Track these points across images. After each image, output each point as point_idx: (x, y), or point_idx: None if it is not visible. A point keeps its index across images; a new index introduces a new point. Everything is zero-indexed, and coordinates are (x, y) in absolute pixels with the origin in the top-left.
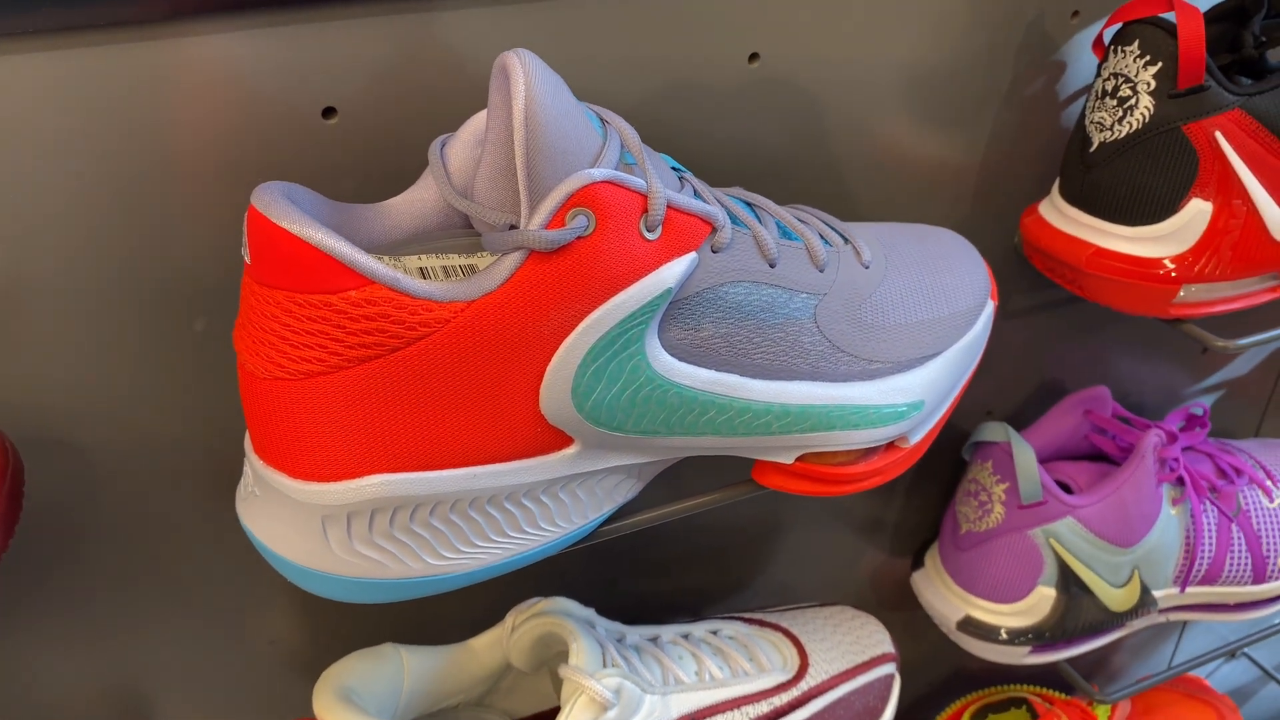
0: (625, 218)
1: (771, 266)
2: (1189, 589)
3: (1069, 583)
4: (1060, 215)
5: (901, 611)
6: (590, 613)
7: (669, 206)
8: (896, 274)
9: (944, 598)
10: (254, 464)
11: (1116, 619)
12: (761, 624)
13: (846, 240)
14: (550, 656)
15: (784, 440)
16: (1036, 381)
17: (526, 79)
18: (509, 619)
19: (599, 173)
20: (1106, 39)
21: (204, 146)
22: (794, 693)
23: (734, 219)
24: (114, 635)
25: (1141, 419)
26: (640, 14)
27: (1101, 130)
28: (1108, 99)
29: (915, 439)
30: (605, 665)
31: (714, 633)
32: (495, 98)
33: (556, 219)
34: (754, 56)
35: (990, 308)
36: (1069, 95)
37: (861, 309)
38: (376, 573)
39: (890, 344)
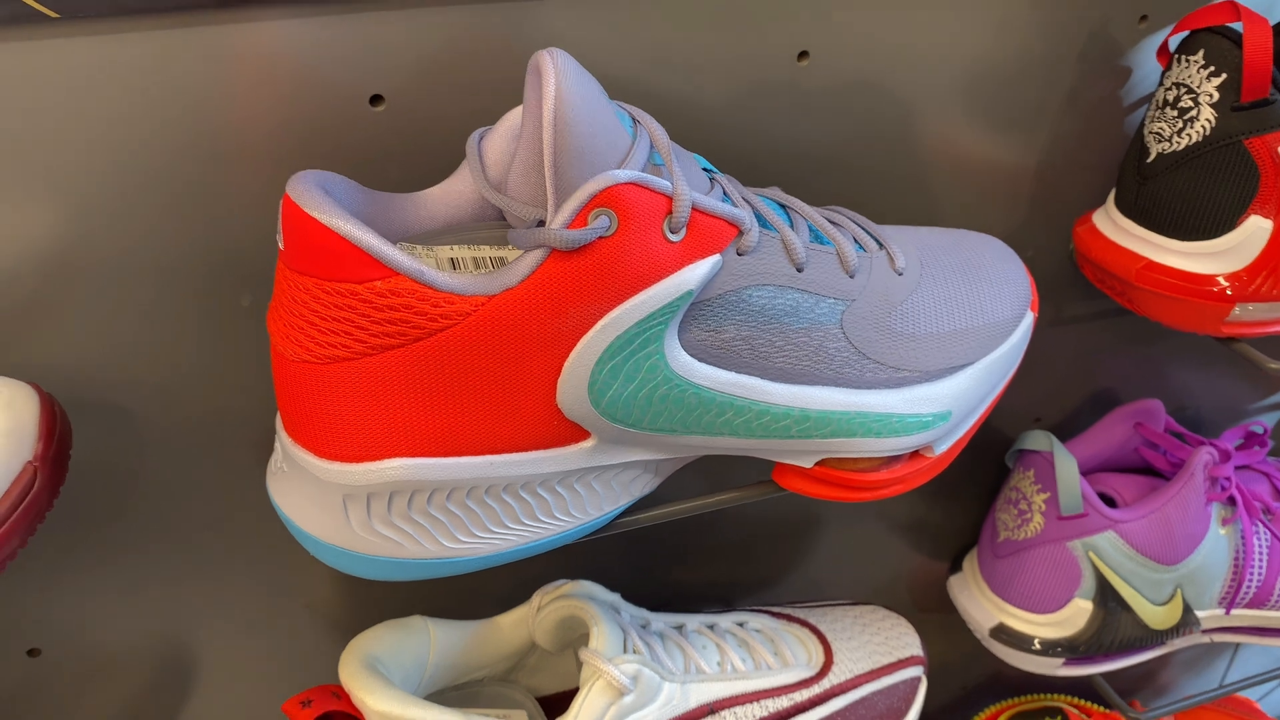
0: (648, 219)
1: (799, 271)
2: (1235, 611)
3: (1107, 597)
4: (1113, 226)
5: (939, 614)
6: (615, 598)
7: (694, 209)
8: (931, 282)
9: (979, 603)
10: (283, 441)
11: (1156, 636)
12: (789, 619)
13: (881, 246)
14: (575, 639)
15: (803, 444)
16: (1088, 390)
17: (557, 79)
18: (535, 599)
19: (623, 174)
20: (1172, 47)
21: (252, 131)
22: (815, 689)
23: (763, 222)
24: (160, 588)
25: (1195, 435)
26: (690, 7)
27: (1160, 141)
28: (1168, 109)
29: (941, 449)
30: (626, 651)
31: (740, 624)
32: (529, 95)
33: (579, 219)
34: (803, 54)
35: (1029, 319)
36: (1133, 102)
37: (891, 316)
38: (394, 552)
39: (919, 353)
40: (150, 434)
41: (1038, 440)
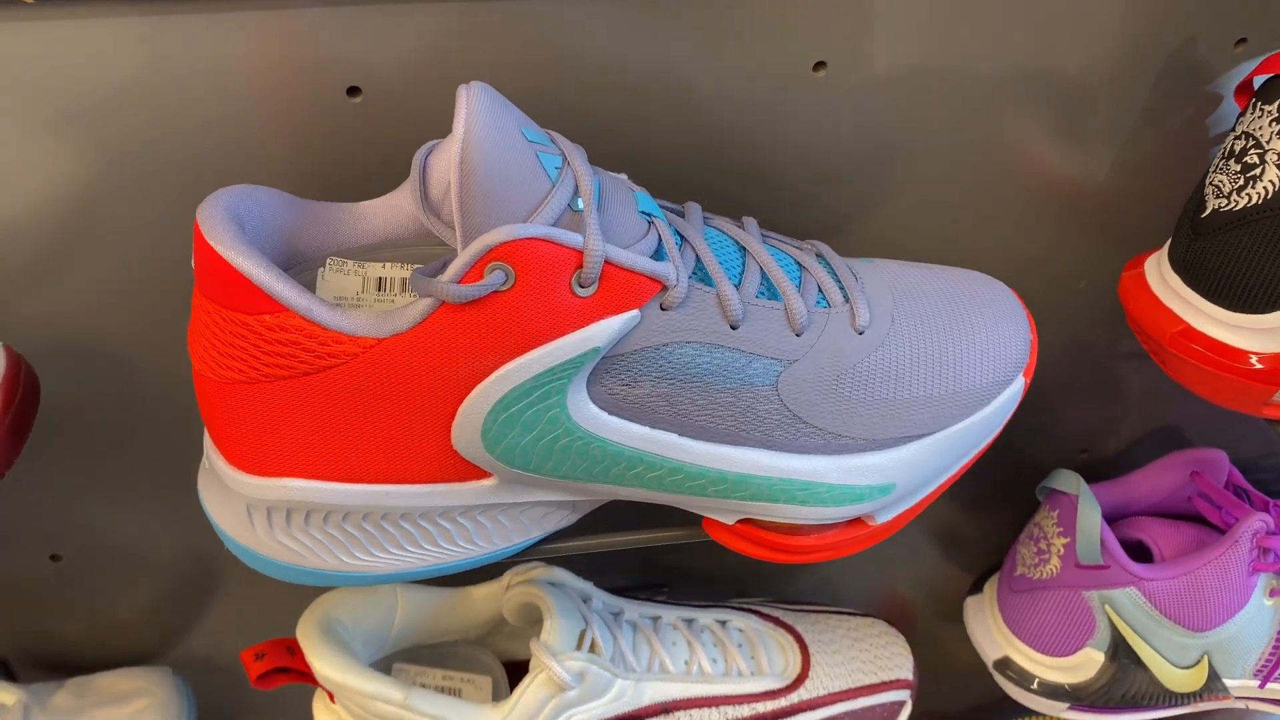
0: (551, 274)
1: (733, 328)
2: (1270, 685)
3: (1120, 652)
4: (1159, 278)
5: (963, 624)
6: (588, 586)
7: (607, 263)
8: (899, 340)
9: (988, 631)
10: (206, 442)
11: (1175, 698)
12: (776, 622)
13: (846, 299)
14: (539, 620)
15: (721, 503)
16: (1145, 429)
17: (467, 120)
18: (506, 577)
19: (526, 229)
20: (1257, 85)
21: (228, 119)
22: (782, 702)
23: (703, 273)
24: (174, 497)
25: (1261, 494)
26: (696, 11)
27: (1218, 196)
28: (1232, 162)
29: (884, 518)
30: (582, 645)
31: (721, 623)
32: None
33: (473, 272)
34: (820, 65)
35: (1018, 385)
36: (1219, 134)
37: (840, 380)
38: (297, 561)
39: (867, 419)
40: (163, 366)
41: (1066, 481)
